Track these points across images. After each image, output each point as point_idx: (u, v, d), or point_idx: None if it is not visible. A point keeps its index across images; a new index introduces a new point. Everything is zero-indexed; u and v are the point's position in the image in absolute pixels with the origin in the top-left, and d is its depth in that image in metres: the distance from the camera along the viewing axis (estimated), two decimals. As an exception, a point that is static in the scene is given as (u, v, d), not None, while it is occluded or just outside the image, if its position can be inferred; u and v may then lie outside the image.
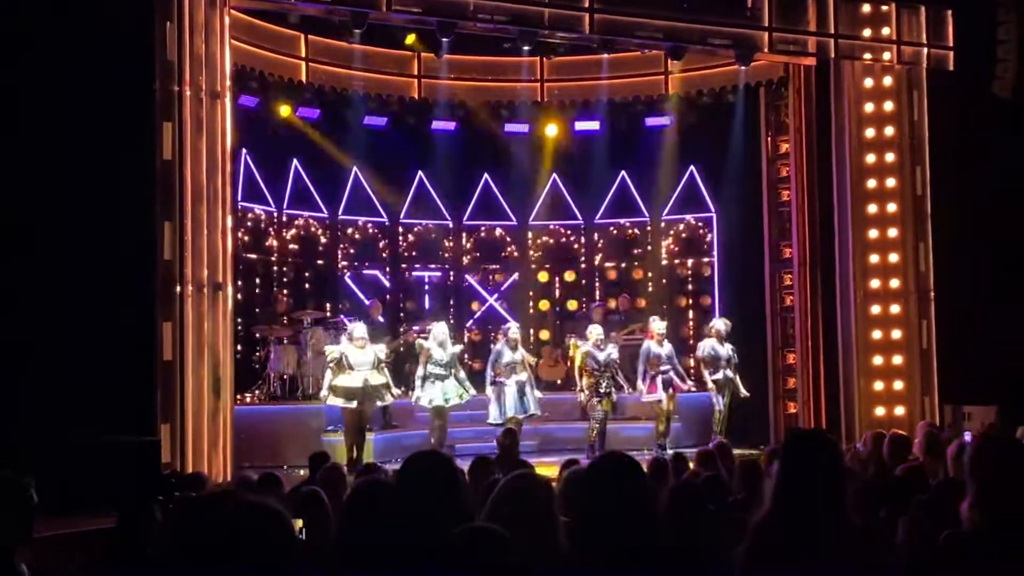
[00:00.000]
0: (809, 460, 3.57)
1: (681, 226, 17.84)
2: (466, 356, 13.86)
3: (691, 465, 8.35)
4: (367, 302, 16.02)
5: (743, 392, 13.98)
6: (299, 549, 2.73)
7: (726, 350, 13.90)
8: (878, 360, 14.02)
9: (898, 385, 13.95)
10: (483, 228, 18.28)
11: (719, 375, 13.81)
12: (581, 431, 14.14)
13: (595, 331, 13.83)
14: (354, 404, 12.67)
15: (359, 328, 13.05)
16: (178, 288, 10.90)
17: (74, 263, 10.48)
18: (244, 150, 15.03)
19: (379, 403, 13.20)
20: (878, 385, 14.00)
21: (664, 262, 17.89)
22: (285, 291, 15.90)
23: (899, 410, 13.85)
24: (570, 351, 14.44)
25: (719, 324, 14.15)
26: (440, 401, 13.21)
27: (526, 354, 13.84)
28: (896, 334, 14.01)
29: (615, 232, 18.22)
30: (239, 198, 14.70)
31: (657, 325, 14.08)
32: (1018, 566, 3.54)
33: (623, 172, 17.76)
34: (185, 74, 11.11)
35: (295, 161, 16.32)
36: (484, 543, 2.60)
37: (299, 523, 5.31)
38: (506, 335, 13.70)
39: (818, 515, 3.47)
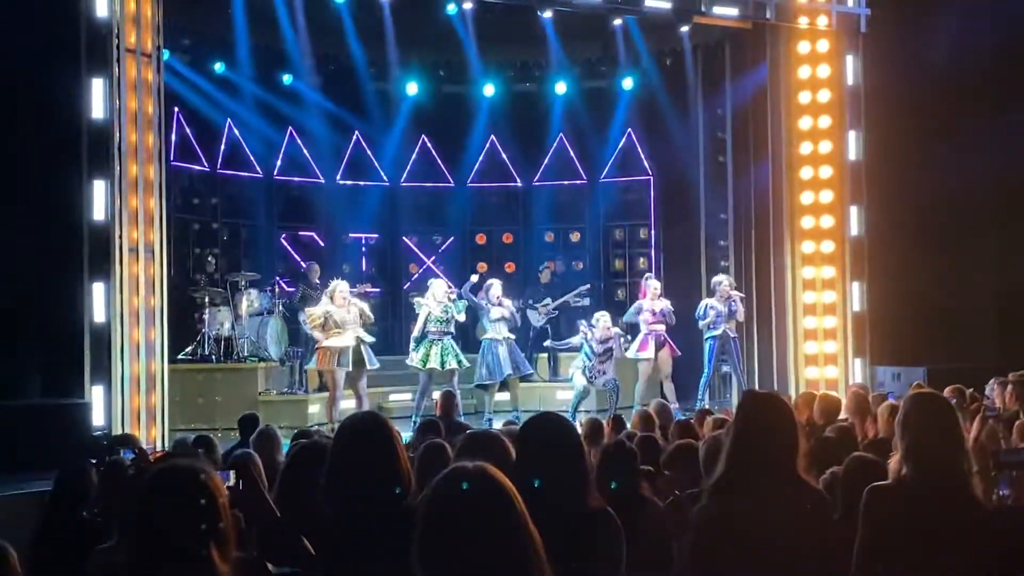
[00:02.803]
0: (763, 419, 3.63)
1: (617, 189, 17.91)
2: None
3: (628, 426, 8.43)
4: (303, 265, 15.87)
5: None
6: (226, 508, 2.73)
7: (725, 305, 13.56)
8: (811, 322, 14.22)
9: (830, 347, 14.16)
10: (422, 189, 18.20)
11: (719, 331, 13.54)
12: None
13: (603, 319, 13.43)
14: (348, 368, 12.37)
15: (343, 285, 12.72)
16: (110, 249, 10.70)
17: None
18: (177, 109, 14.81)
19: (370, 367, 12.72)
20: (811, 347, 14.20)
21: (601, 224, 17.96)
22: (219, 252, 15.70)
23: (831, 371, 14.07)
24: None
25: (723, 279, 13.86)
26: (436, 364, 12.88)
27: (512, 310, 13.55)
28: (829, 297, 14.20)
29: (554, 194, 18.24)
30: (172, 158, 14.47)
31: (652, 282, 13.95)
32: (940, 511, 3.66)
33: (561, 134, 17.76)
34: (115, 31, 10.87)
35: (229, 120, 16.09)
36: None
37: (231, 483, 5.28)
38: (487, 292, 13.42)
39: (771, 472, 3.53)
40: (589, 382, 13.31)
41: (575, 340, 13.76)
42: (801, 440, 3.67)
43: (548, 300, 15.51)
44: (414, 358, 13.12)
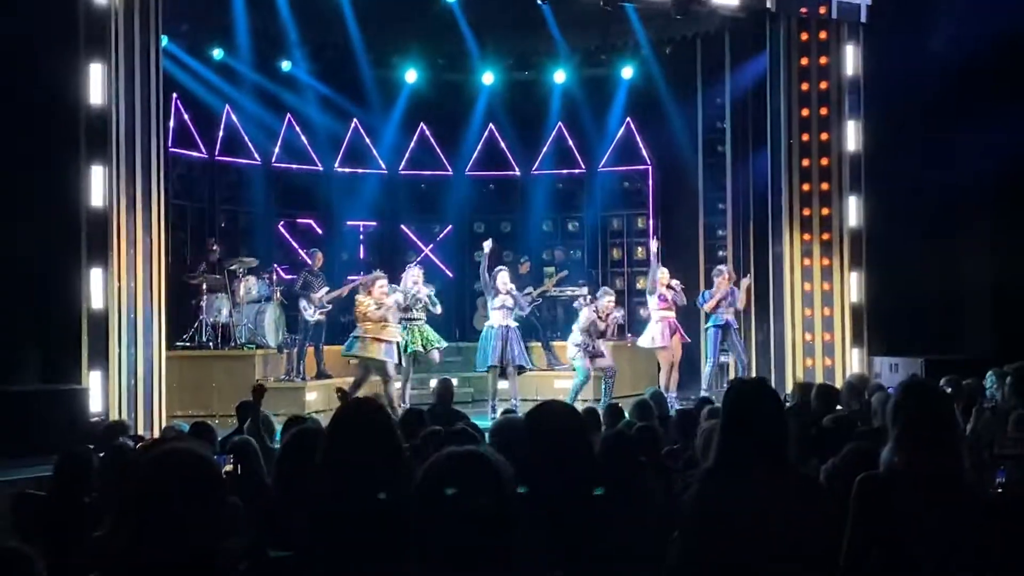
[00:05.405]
0: (751, 407, 3.63)
1: (616, 178, 17.90)
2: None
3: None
4: (304, 253, 15.83)
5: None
6: (225, 492, 2.73)
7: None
8: (808, 312, 14.21)
9: (827, 337, 14.15)
10: (420, 178, 18.19)
11: (721, 320, 13.71)
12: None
13: (606, 299, 13.58)
14: (393, 359, 12.64)
15: (384, 280, 12.92)
16: (108, 235, 10.70)
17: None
18: (175, 95, 14.78)
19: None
20: (808, 336, 14.20)
21: (599, 214, 17.96)
22: (217, 239, 15.67)
23: (828, 361, 14.07)
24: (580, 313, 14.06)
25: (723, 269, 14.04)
26: (419, 347, 13.16)
27: (517, 294, 13.67)
28: (826, 286, 14.19)
29: (552, 183, 18.22)
30: (170, 144, 14.44)
31: (664, 273, 13.97)
32: (934, 501, 3.64)
33: (559, 123, 17.75)
34: (114, 17, 10.84)
35: (227, 107, 16.07)
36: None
37: (228, 468, 5.30)
38: (495, 280, 13.49)
39: (761, 460, 3.53)
40: (591, 359, 13.30)
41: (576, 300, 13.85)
42: (791, 427, 3.66)
43: (530, 289, 15.57)
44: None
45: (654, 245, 14.23)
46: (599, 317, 13.37)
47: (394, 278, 13.59)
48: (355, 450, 3.52)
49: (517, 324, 13.67)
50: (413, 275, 13.60)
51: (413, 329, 13.27)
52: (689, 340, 14.09)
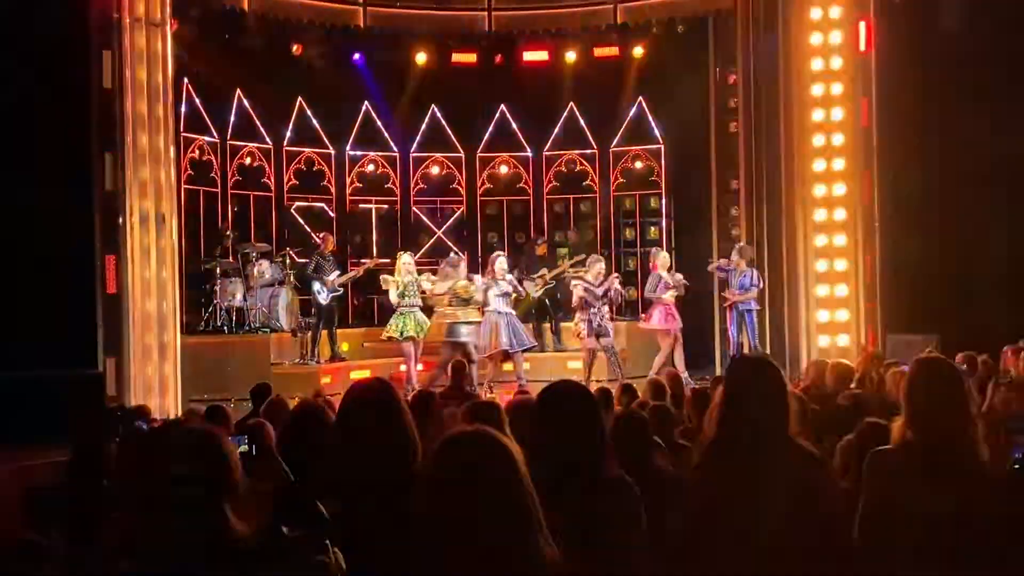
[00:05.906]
0: (751, 382, 3.62)
1: (629, 158, 17.84)
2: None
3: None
4: (316, 236, 15.84)
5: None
6: (238, 470, 2.74)
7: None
8: (823, 291, 14.16)
9: (842, 315, 14.11)
10: (431, 160, 18.17)
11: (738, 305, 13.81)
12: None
13: (597, 265, 13.66)
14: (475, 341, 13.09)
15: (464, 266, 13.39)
16: (121, 220, 10.73)
17: (9, 196, 10.27)
18: (185, 79, 14.78)
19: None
20: (823, 315, 14.15)
21: (612, 194, 17.91)
22: (230, 223, 15.70)
23: (843, 340, 14.02)
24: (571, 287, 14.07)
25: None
26: (412, 332, 13.30)
27: (515, 283, 13.74)
28: (841, 265, 14.13)
29: (564, 164, 18.18)
30: (181, 128, 14.44)
31: (663, 255, 14.03)
32: (944, 477, 3.62)
33: (571, 103, 17.69)
34: (123, 1, 10.84)
35: (238, 91, 16.06)
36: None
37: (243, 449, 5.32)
38: (492, 265, 13.60)
39: (762, 435, 3.52)
40: (597, 337, 13.29)
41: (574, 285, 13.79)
42: (793, 403, 3.64)
43: (544, 271, 15.54)
44: (391, 329, 13.40)
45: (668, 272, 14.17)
46: (594, 284, 13.37)
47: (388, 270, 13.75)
48: (365, 430, 3.52)
49: (513, 311, 13.70)
50: (407, 264, 13.67)
51: (408, 316, 13.38)
52: (681, 324, 14.05)
